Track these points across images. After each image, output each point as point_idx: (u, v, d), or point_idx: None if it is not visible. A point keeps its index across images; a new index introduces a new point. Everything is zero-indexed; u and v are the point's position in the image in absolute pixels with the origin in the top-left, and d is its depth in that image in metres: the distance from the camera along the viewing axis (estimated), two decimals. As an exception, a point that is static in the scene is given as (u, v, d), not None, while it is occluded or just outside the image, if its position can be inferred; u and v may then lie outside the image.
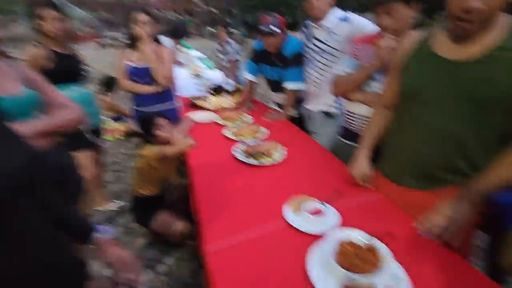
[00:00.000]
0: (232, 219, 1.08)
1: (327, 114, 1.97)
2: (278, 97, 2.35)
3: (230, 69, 3.66)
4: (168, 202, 1.97)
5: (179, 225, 1.80)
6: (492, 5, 0.79)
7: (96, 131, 2.02)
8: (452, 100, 0.92)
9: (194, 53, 5.99)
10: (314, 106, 2.08)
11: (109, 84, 3.58)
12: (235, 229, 1.02)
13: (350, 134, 1.55)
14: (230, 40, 3.62)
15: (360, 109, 1.44)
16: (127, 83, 2.09)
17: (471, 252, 1.08)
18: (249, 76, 2.36)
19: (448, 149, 0.96)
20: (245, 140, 1.71)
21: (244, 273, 0.85)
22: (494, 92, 0.84)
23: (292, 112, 2.25)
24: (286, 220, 1.04)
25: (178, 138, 1.73)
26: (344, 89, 1.46)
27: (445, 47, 0.93)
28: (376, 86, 1.35)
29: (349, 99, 1.47)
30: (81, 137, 1.93)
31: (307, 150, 1.63)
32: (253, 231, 1.01)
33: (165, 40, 2.66)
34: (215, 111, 2.30)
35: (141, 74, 2.06)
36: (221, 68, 3.94)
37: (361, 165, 1.20)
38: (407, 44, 1.05)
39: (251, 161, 1.47)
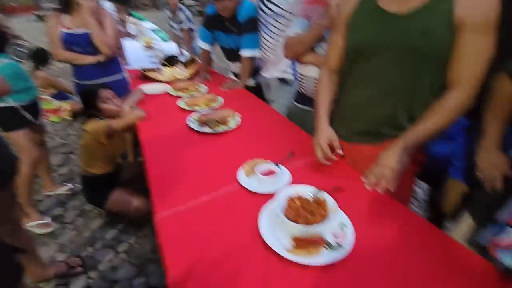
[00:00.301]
0: (185, 188, 1.04)
1: (283, 81, 1.95)
2: (235, 66, 2.27)
3: (184, 39, 3.45)
4: (124, 180, 1.88)
5: (136, 202, 1.73)
6: None
7: (33, 109, 1.81)
8: (395, 53, 0.93)
9: (147, 24, 5.56)
10: (270, 73, 2.04)
11: (41, 57, 3.14)
12: (188, 196, 0.99)
13: (304, 98, 1.55)
14: (182, 7, 3.38)
15: (312, 72, 1.43)
16: (64, 53, 1.87)
17: (411, 200, 1.16)
18: (203, 45, 2.22)
19: (393, 103, 0.99)
20: (200, 110, 1.64)
21: (196, 235, 0.83)
22: (430, 43, 0.86)
23: (250, 82, 2.20)
24: (240, 183, 1.03)
25: (126, 111, 1.61)
26: (295, 50, 1.43)
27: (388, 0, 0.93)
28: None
29: (301, 62, 1.46)
30: (14, 115, 1.72)
31: (262, 117, 1.61)
32: (206, 197, 0.99)
33: (106, 4, 2.39)
34: (168, 83, 2.17)
35: (80, 42, 1.85)
36: (176, 40, 3.71)
37: (326, 135, 1.08)
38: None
39: (205, 129, 1.42)
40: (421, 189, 2.25)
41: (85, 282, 1.56)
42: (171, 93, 1.95)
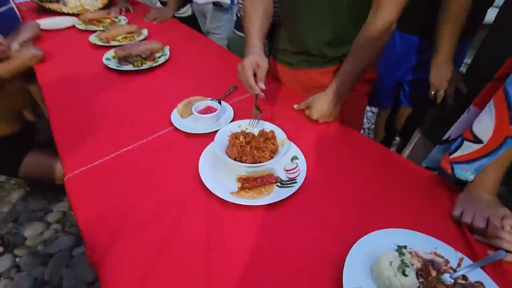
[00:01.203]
0: (105, 139, 0.83)
1: (218, 5, 1.65)
2: (161, -8, 1.88)
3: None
4: (40, 141, 1.55)
5: (60, 165, 1.45)
6: None
7: None
8: None
9: None
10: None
11: None
12: (110, 148, 0.79)
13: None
14: None
15: None
16: None
17: (362, 123, 1.12)
18: None
19: (330, 25, 0.86)
20: (121, 45, 1.32)
21: (125, 190, 0.67)
22: None
23: (182, 11, 1.85)
24: (174, 125, 0.86)
25: (15, 51, 1.22)
26: None
27: None
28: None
29: None
30: None
31: (197, 49, 1.37)
32: (133, 146, 0.80)
33: None
34: (75, 15, 1.71)
35: None
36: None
37: (253, 58, 0.81)
38: None
39: (127, 67, 1.15)
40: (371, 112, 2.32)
41: (12, 261, 1.34)
42: (79, 27, 1.54)
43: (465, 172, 0.63)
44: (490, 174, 0.61)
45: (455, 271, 0.51)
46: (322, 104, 0.84)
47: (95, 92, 1.04)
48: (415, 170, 0.74)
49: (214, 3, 1.66)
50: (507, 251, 0.53)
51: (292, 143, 0.76)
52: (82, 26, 1.54)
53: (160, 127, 0.86)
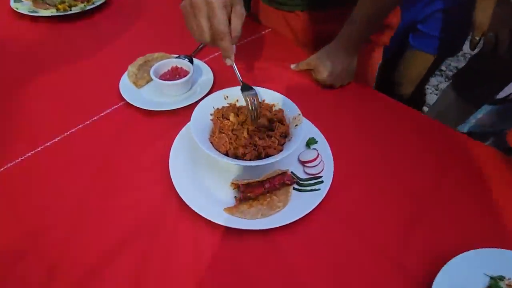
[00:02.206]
0: (20, 128, 0.54)
1: None
2: None
3: None
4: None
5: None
6: None
7: None
8: None
9: None
10: None
11: None
12: (27, 140, 0.51)
13: None
14: None
15: None
16: None
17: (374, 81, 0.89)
18: None
19: None
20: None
21: (57, 199, 0.41)
22: None
23: None
24: (125, 98, 0.57)
25: None
26: None
27: None
28: None
29: None
30: None
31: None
32: (66, 134, 0.52)
33: None
34: None
35: None
36: None
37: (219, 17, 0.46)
38: None
39: (46, 12, 0.79)
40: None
41: None
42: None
43: None
44: None
45: None
46: (331, 64, 0.59)
47: (1, 55, 0.70)
48: (472, 144, 0.54)
49: None
50: None
51: (305, 119, 0.52)
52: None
53: (104, 103, 0.57)
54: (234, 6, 0.46)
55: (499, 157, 0.51)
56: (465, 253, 0.37)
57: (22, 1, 0.83)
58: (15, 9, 0.79)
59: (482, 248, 0.38)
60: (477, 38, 0.72)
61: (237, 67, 0.49)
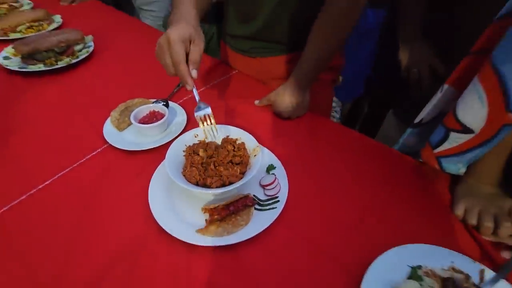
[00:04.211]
0: (12, 174, 0.60)
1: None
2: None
3: None
4: None
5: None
6: None
7: None
8: None
9: None
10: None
11: None
12: (19, 185, 0.57)
13: None
14: None
15: None
16: None
17: (329, 114, 1.01)
18: None
19: (282, 13, 0.73)
20: (23, 38, 1.02)
21: (48, 238, 0.47)
22: None
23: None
24: (109, 142, 0.65)
25: None
26: None
27: None
28: None
29: None
30: None
31: (129, 36, 1.12)
32: (55, 177, 0.59)
33: None
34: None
35: None
36: None
37: (183, 30, 0.56)
38: None
39: (35, 67, 0.88)
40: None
41: None
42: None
43: (455, 165, 0.55)
44: (489, 163, 0.54)
45: (478, 287, 0.44)
46: (288, 99, 0.71)
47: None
48: (403, 159, 0.65)
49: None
50: (525, 251, 0.47)
51: (265, 149, 0.62)
52: (-35, 16, 1.16)
53: (90, 146, 0.65)
54: (193, 40, 0.56)
55: (423, 170, 0.62)
56: (391, 249, 0.46)
57: (11, 58, 0.92)
58: (6, 66, 0.88)
59: (405, 244, 0.47)
60: (405, 73, 0.86)
61: (210, 106, 0.58)
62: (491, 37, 0.48)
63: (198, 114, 0.58)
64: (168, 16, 1.21)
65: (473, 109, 0.49)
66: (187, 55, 0.55)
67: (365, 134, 0.71)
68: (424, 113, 0.62)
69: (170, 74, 0.56)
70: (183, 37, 0.54)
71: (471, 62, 0.52)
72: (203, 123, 0.58)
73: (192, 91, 0.57)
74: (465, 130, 0.51)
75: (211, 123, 0.58)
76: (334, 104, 2.20)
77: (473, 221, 0.50)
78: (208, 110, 0.58)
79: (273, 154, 0.62)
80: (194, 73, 0.55)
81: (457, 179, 0.58)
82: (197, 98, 0.58)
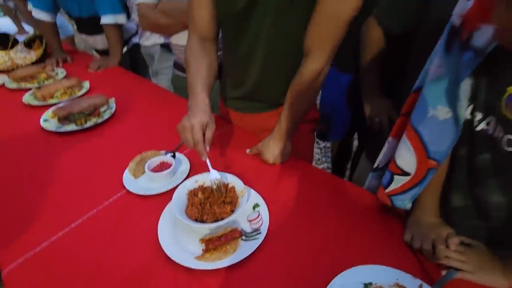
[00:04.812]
0: (47, 217, 0.76)
1: (165, 47, 1.66)
2: (98, 40, 1.84)
3: (20, 9, 2.60)
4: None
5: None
6: None
7: None
8: (273, 8, 0.76)
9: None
10: (152, 40, 1.72)
11: None
12: (53, 228, 0.72)
13: (182, 67, 1.37)
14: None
15: (185, 40, 1.25)
16: None
17: (313, 156, 1.17)
18: (40, 15, 1.66)
19: (276, 70, 0.88)
20: (60, 103, 1.25)
21: (74, 274, 0.60)
22: (296, 10, 0.73)
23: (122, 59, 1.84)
24: (127, 188, 0.81)
25: None
26: (154, 20, 1.22)
27: None
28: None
29: (166, 33, 1.25)
30: None
31: (144, 97, 1.34)
32: (81, 221, 0.74)
33: None
34: (4, 72, 1.59)
35: None
36: (10, 13, 2.77)
37: (203, 117, 0.76)
38: None
39: (69, 127, 1.08)
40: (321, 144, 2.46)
41: None
42: (10, 86, 1.42)
43: (402, 202, 0.68)
44: (428, 198, 0.67)
45: (417, 298, 0.55)
46: (273, 148, 0.87)
47: (32, 161, 0.95)
48: (367, 196, 0.78)
49: (161, 45, 1.67)
50: (457, 269, 0.58)
51: (252, 190, 0.77)
52: (13, 85, 1.42)
53: (112, 192, 0.81)
54: (208, 124, 0.76)
55: (383, 206, 0.75)
56: (349, 269, 0.58)
57: (49, 121, 1.13)
58: (45, 128, 1.08)
59: (361, 265, 0.59)
60: (369, 122, 1.04)
61: (208, 154, 0.75)
62: (411, 104, 0.64)
63: (212, 180, 0.74)
64: (175, 77, 1.46)
65: (406, 157, 0.64)
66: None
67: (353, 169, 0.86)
68: (379, 160, 0.77)
69: (190, 147, 0.75)
70: (202, 123, 0.74)
71: (403, 120, 0.68)
72: (215, 185, 0.74)
73: (206, 161, 0.75)
74: (404, 173, 0.65)
75: (220, 181, 0.75)
76: (329, 145, 2.39)
77: (417, 245, 0.62)
78: (218, 175, 0.75)
79: (258, 195, 0.76)
80: (207, 148, 0.75)
81: (409, 211, 0.71)
82: (210, 166, 0.76)
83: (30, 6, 1.70)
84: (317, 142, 2.37)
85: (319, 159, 2.36)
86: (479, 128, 0.54)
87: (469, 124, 0.55)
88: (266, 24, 0.76)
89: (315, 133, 1.09)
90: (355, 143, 1.74)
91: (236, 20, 0.81)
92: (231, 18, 0.81)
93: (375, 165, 0.77)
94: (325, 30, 0.71)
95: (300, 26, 0.75)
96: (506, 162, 0.51)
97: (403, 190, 0.67)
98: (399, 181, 0.67)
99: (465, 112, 0.54)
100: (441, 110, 0.56)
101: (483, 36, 0.47)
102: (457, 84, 0.52)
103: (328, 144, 2.38)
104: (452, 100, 0.54)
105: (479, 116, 0.53)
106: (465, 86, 0.52)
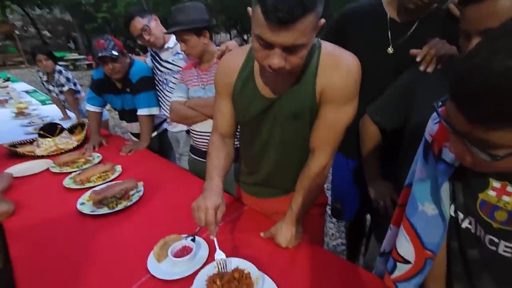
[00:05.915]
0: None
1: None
2: (134, 126, 2.14)
3: (68, 101, 3.05)
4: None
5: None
6: (296, 63, 0.74)
7: None
8: (281, 120, 0.92)
9: (18, 85, 4.76)
10: (176, 128, 1.99)
11: None
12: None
13: (199, 152, 1.58)
14: (60, 68, 3.01)
15: (203, 127, 1.50)
16: None
17: (322, 242, 1.23)
18: (92, 108, 2.06)
19: (286, 165, 1.02)
20: (93, 186, 1.41)
21: None
22: (301, 123, 0.91)
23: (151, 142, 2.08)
24: (151, 273, 0.88)
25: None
26: (182, 115, 1.50)
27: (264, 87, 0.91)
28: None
29: (189, 124, 1.54)
30: None
31: (169, 179, 1.50)
32: (108, 305, 0.80)
33: None
34: (50, 157, 1.82)
35: None
36: (57, 102, 3.25)
37: (216, 201, 0.87)
38: (228, 69, 0.95)
39: (102, 210, 1.21)
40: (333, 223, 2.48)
41: None
42: (53, 170, 1.63)
43: None
44: (431, 285, 0.71)
45: None
46: (286, 232, 0.95)
47: (66, 241, 1.06)
48: (377, 283, 0.81)
49: (186, 131, 1.92)
50: None
51: (266, 276, 0.82)
52: (56, 169, 1.62)
53: (137, 276, 0.88)
54: (220, 207, 0.87)
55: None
56: None
57: (85, 204, 1.27)
58: (81, 210, 1.21)
59: None
60: (375, 204, 1.12)
61: (225, 238, 0.84)
62: (405, 197, 0.74)
63: (217, 259, 0.83)
64: (191, 161, 1.65)
65: (405, 246, 0.70)
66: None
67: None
68: (384, 245, 0.83)
69: (200, 225, 0.85)
70: (215, 205, 0.86)
71: (400, 211, 0.77)
72: (220, 264, 0.82)
73: (213, 240, 0.86)
74: (405, 261, 0.71)
75: (225, 261, 0.83)
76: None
77: None
78: (223, 255, 0.84)
79: (272, 281, 0.81)
80: (217, 228, 0.85)
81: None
82: (217, 246, 0.85)
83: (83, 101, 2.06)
84: (330, 217, 2.38)
85: (332, 234, 2.34)
86: (463, 225, 0.62)
87: (455, 221, 0.63)
88: (276, 130, 0.94)
89: (329, 213, 1.17)
90: (369, 217, 1.77)
91: (251, 124, 0.99)
92: (247, 122, 1.00)
93: (381, 250, 0.83)
94: (326, 135, 0.88)
95: (305, 132, 0.92)
96: (493, 259, 0.57)
97: (406, 278, 0.71)
98: (402, 269, 0.71)
99: (449, 210, 0.63)
100: (428, 206, 0.65)
101: (450, 153, 0.58)
102: (438, 186, 0.62)
103: (342, 220, 2.39)
104: (436, 199, 0.63)
105: (461, 215, 0.62)
106: (445, 189, 0.62)
